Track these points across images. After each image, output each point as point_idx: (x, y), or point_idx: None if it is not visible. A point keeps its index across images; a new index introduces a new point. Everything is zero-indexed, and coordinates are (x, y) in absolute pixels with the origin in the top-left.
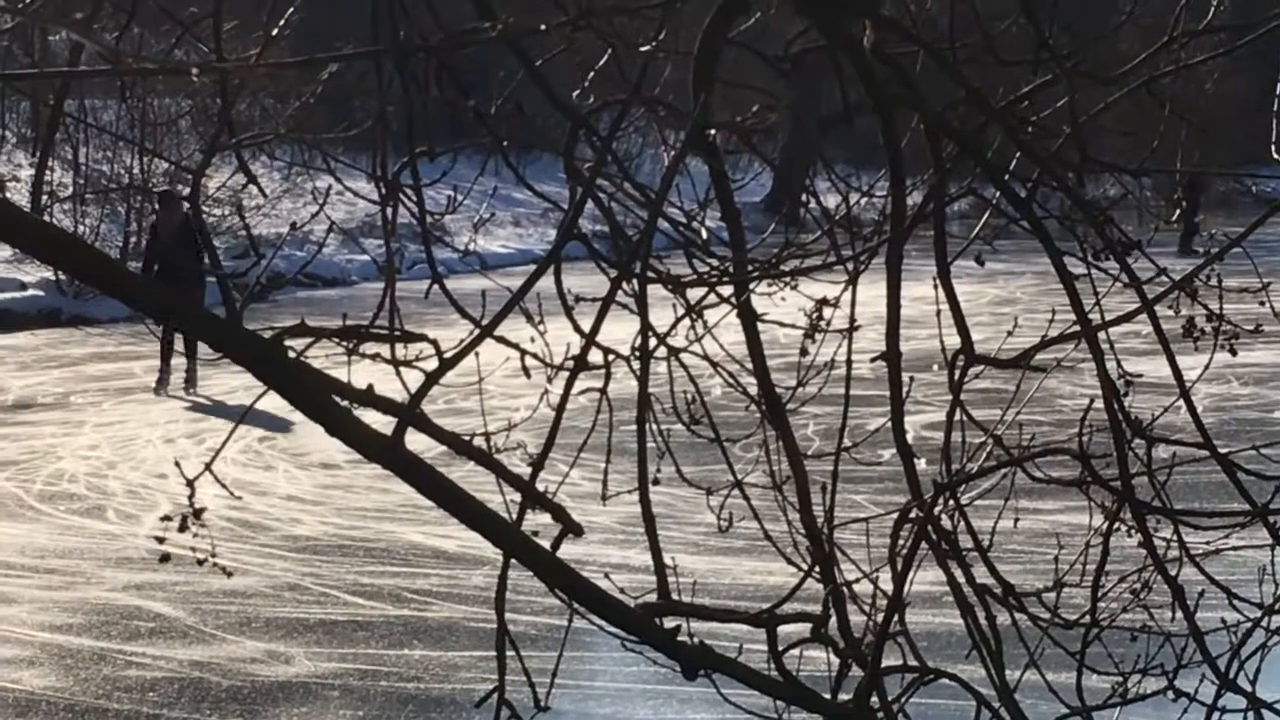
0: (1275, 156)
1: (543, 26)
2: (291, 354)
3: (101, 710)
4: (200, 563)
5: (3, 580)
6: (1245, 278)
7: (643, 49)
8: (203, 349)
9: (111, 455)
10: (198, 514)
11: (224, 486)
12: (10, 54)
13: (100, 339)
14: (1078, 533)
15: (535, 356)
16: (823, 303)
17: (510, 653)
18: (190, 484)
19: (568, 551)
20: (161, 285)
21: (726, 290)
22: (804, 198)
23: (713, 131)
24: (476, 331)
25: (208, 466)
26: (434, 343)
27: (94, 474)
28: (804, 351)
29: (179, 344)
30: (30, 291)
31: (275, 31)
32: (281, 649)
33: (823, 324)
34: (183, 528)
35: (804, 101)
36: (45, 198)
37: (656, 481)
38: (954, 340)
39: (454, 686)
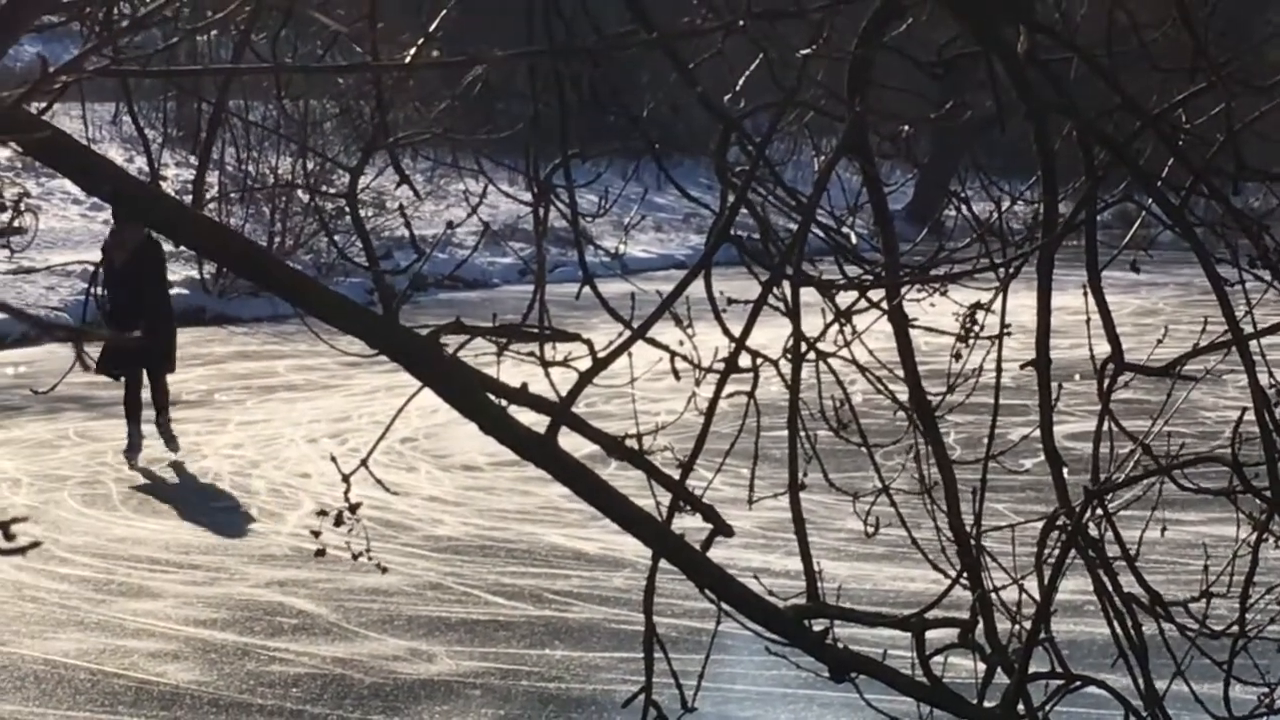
0: None
1: (698, 32)
2: (446, 351)
3: (245, 705)
4: (355, 557)
5: (148, 575)
6: None
7: (800, 53)
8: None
9: (255, 454)
10: (353, 509)
11: (380, 483)
12: (162, 57)
13: (243, 338)
14: (1222, 544)
15: (685, 359)
16: (976, 307)
17: (656, 654)
18: (346, 479)
19: (710, 555)
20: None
21: (876, 295)
22: (951, 203)
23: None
24: (627, 333)
25: (363, 463)
26: (588, 342)
27: (238, 472)
28: (957, 356)
29: (139, 394)
30: (175, 290)
31: (431, 28)
32: (424, 647)
33: (976, 329)
34: (338, 522)
35: (952, 107)
36: (207, 195)
37: (803, 486)
38: (1102, 349)
39: (595, 687)
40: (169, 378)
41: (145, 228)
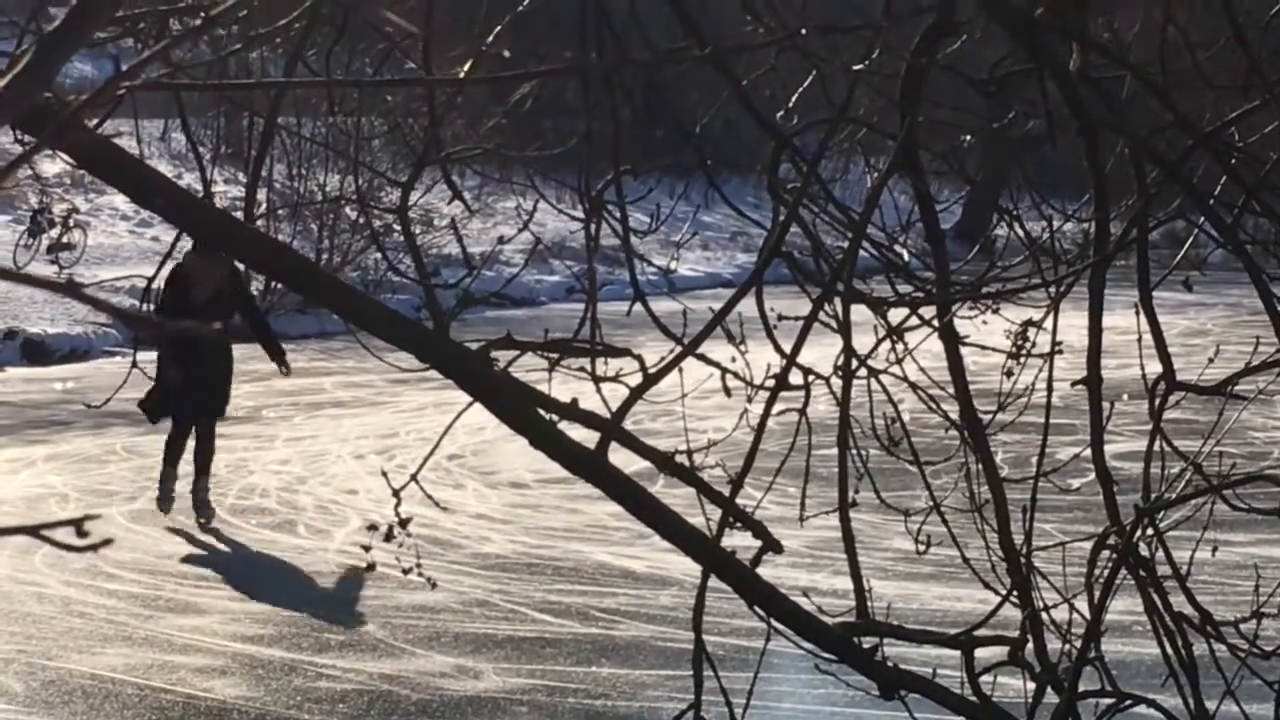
0: None
1: (752, 47)
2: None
3: None
4: (405, 573)
5: (195, 591)
6: None
7: (854, 68)
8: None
9: (302, 470)
10: (404, 524)
11: (430, 498)
12: (214, 72)
13: (291, 354)
14: (1272, 564)
15: (736, 375)
16: (1028, 324)
17: (705, 671)
18: (396, 494)
19: (758, 573)
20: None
21: (927, 313)
22: (1002, 221)
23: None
24: (678, 349)
25: (413, 477)
26: (639, 358)
27: (285, 488)
28: (1009, 373)
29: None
30: None
31: (485, 44)
32: (470, 664)
33: (1026, 347)
34: (388, 538)
35: (1002, 125)
36: (257, 211)
37: (853, 504)
38: (1153, 368)
39: (642, 704)
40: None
41: (231, 260)
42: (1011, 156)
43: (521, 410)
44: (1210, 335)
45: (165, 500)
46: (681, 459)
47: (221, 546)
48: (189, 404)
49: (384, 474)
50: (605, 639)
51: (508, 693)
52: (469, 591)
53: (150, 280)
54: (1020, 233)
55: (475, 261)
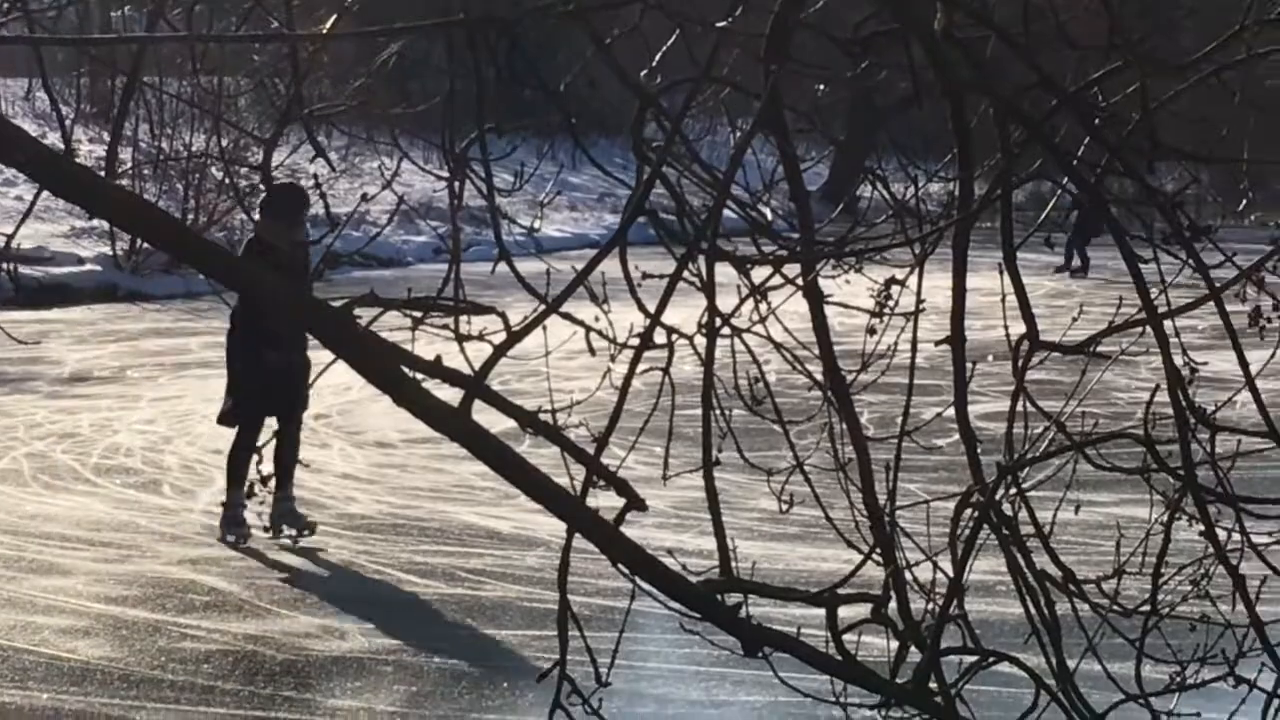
0: None
1: (616, 4)
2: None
3: (156, 681)
4: (265, 530)
5: (59, 552)
6: None
7: (718, 25)
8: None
9: (167, 430)
10: (265, 481)
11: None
12: (77, 29)
13: (156, 314)
14: (1134, 523)
15: (600, 334)
16: (891, 281)
17: (570, 630)
18: (258, 451)
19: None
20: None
21: (792, 272)
22: (867, 181)
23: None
24: (542, 307)
25: (275, 435)
26: (502, 315)
27: (150, 448)
28: (871, 331)
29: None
30: (87, 266)
31: (347, 3)
32: (335, 624)
33: (890, 305)
34: (249, 494)
35: (867, 86)
36: (120, 169)
37: (717, 463)
38: (1017, 328)
39: (508, 664)
40: None
41: (304, 224)
42: (876, 118)
43: (386, 369)
44: (1076, 296)
45: (237, 526)
46: (546, 418)
47: (85, 507)
48: (278, 397)
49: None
50: (471, 600)
51: (373, 653)
52: (334, 553)
53: (9, 239)
54: (885, 194)
55: (339, 219)
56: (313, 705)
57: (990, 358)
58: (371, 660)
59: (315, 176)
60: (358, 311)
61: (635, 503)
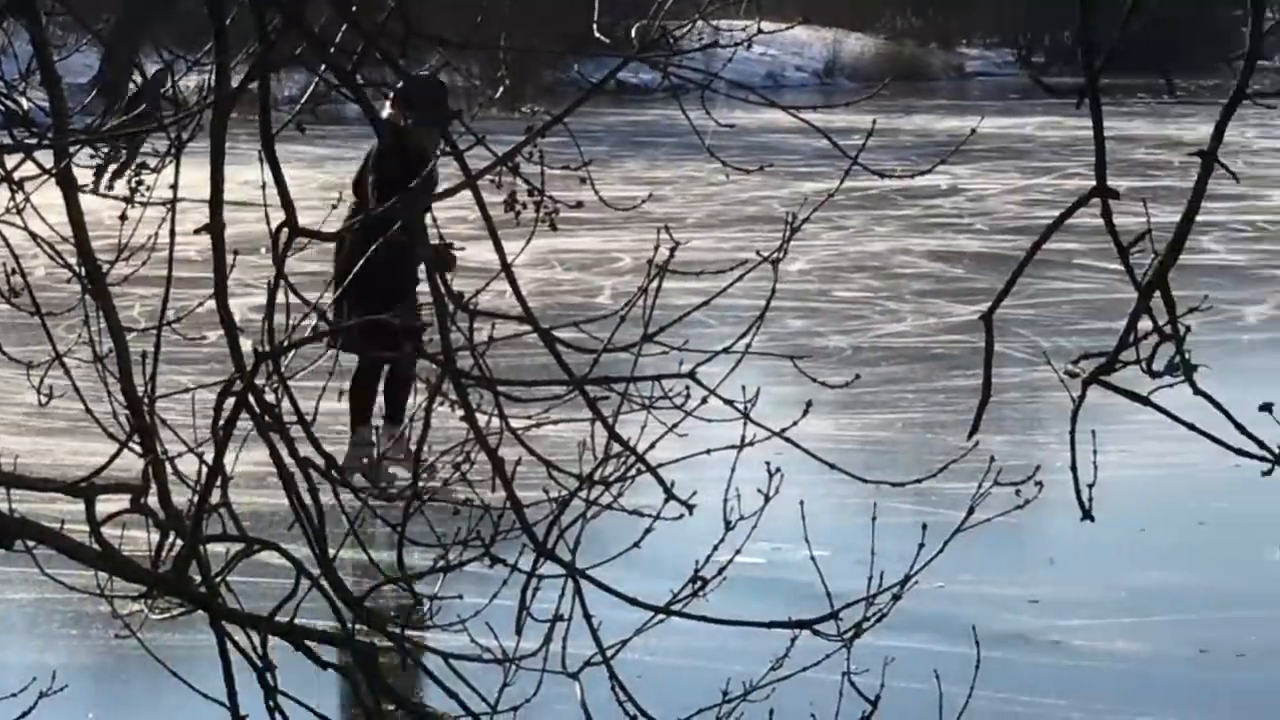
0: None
1: None
2: None
3: None
4: None
5: None
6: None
7: None
8: None
9: None
10: None
11: None
12: None
13: None
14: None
15: None
16: (141, 167)
17: None
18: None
19: None
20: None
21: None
22: (134, 72)
23: None
24: None
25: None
26: None
27: None
28: (124, 217)
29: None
30: None
31: None
32: None
33: (144, 190)
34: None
35: None
36: None
37: None
38: (278, 217)
39: None
40: None
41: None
42: (141, 11)
43: None
44: (346, 187)
45: (370, 463)
46: None
47: None
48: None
49: None
50: None
51: None
52: None
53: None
54: (141, 80)
55: None
56: None
57: (262, 250)
58: None
59: None
60: None
61: None
